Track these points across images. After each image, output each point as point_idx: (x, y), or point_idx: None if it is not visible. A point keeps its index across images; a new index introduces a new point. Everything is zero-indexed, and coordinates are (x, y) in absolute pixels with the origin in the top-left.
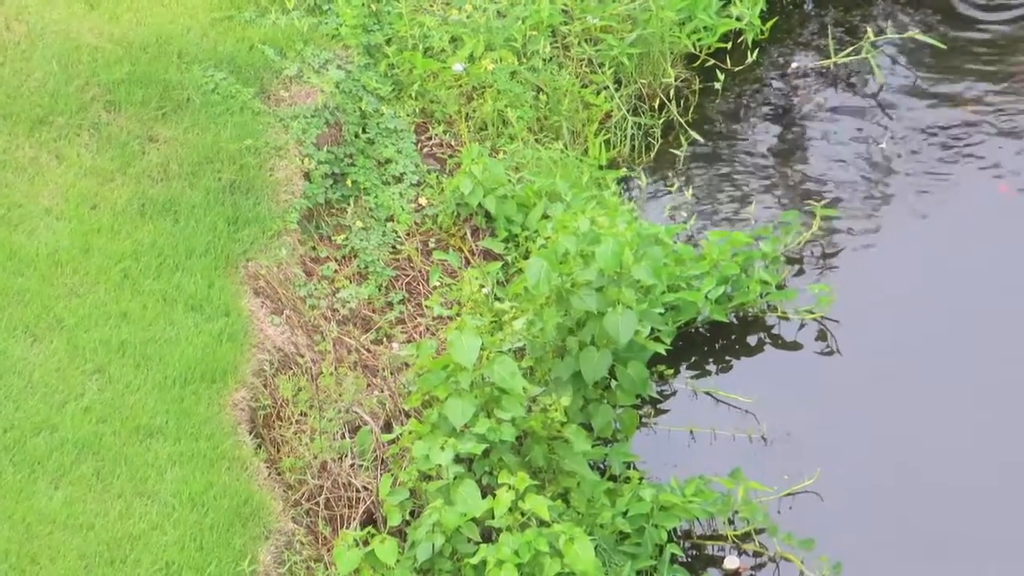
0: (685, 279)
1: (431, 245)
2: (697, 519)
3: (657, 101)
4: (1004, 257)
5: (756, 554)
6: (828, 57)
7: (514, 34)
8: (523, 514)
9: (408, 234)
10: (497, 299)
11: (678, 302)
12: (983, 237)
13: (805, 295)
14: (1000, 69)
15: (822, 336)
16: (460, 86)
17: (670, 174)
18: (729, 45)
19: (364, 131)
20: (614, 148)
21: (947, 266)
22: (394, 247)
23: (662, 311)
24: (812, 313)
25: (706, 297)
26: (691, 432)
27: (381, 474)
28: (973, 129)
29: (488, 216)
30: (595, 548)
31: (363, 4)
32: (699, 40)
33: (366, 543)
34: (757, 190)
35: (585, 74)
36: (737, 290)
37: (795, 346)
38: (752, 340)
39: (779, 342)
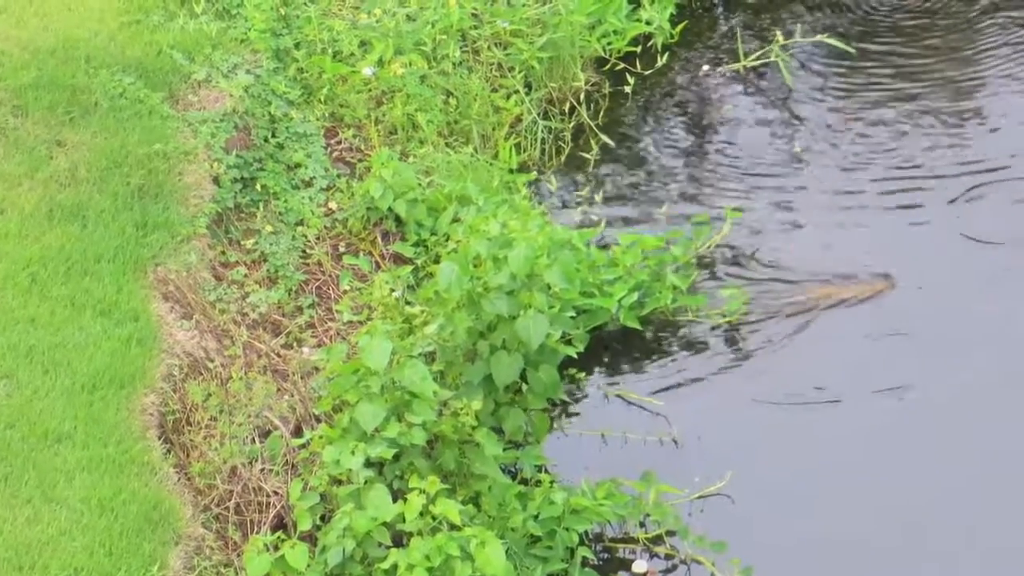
0: (598, 285)
1: (341, 249)
2: (608, 522)
3: (567, 105)
4: (915, 252)
5: (667, 557)
6: (738, 60)
7: (424, 38)
8: (434, 518)
9: (318, 238)
10: (408, 303)
11: (591, 307)
12: (893, 236)
13: (716, 298)
14: (909, 73)
15: (733, 338)
16: (370, 90)
17: (580, 177)
18: (639, 49)
19: (273, 135)
20: (524, 152)
21: (858, 265)
22: (304, 251)
23: (573, 315)
24: (724, 316)
25: (619, 303)
26: (602, 435)
27: (291, 479)
28: (882, 128)
29: (398, 220)
30: (506, 551)
31: (272, 8)
32: (609, 44)
33: (276, 548)
34: (668, 193)
35: (495, 78)
36: (649, 296)
37: (706, 349)
38: (663, 343)
39: (690, 345)
